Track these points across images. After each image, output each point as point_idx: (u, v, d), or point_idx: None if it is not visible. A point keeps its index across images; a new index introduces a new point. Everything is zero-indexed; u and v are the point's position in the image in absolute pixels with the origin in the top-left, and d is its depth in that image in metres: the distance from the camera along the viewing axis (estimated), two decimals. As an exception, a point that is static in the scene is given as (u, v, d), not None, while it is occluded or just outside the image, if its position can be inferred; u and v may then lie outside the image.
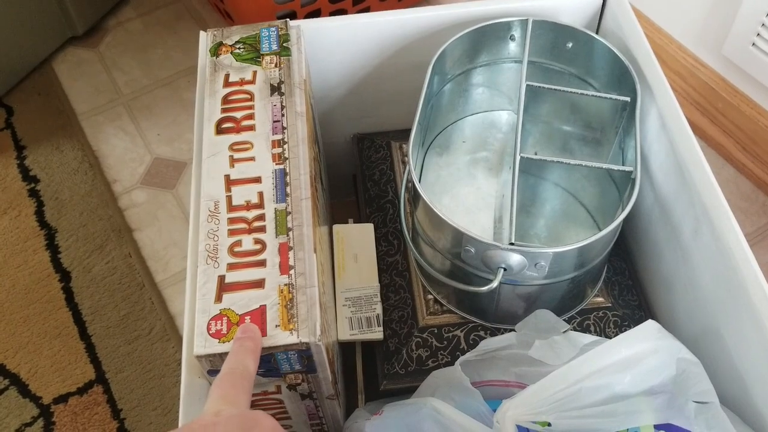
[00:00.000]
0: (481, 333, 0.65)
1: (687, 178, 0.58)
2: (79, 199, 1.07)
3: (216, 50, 0.65)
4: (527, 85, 0.66)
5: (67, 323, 0.95)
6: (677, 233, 0.62)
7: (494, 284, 0.56)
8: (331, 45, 0.76)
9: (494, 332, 0.65)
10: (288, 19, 0.67)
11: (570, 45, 0.71)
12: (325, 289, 0.63)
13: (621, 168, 0.60)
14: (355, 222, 0.76)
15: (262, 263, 0.51)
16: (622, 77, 0.67)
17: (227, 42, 0.66)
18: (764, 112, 0.94)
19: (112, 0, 1.30)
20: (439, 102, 0.74)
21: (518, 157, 0.60)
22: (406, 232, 0.68)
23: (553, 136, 0.76)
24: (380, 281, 0.70)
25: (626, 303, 0.67)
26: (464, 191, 0.73)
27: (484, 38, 0.72)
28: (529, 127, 0.74)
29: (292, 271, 0.50)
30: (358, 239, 0.73)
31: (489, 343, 0.58)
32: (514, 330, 0.59)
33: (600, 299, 0.67)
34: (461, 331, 0.65)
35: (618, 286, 0.69)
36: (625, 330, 0.63)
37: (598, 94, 0.66)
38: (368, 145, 0.84)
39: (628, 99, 0.64)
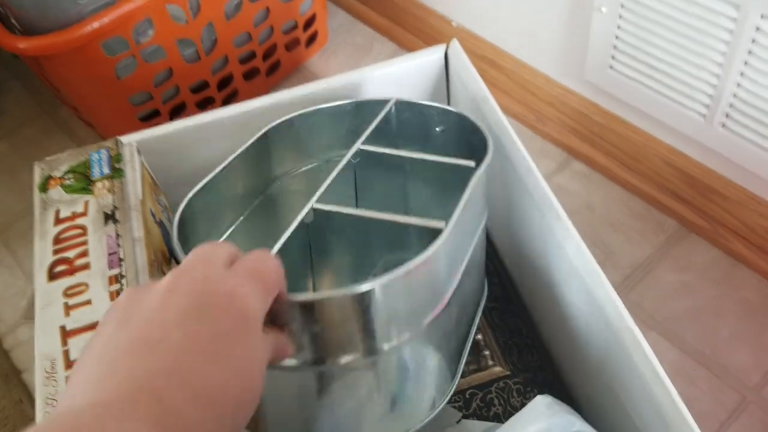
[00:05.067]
0: None
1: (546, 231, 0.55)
2: (-42, 349, 0.99)
3: (44, 185, 0.60)
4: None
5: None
6: (553, 285, 0.59)
7: None
8: (181, 148, 0.72)
9: None
10: (118, 137, 0.63)
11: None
12: None
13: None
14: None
15: (106, 424, 0.46)
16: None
17: (56, 174, 0.61)
18: (637, 129, 0.94)
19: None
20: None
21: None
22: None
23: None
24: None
25: (526, 366, 0.64)
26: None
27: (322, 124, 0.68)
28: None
29: None
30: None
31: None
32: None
33: (498, 369, 0.63)
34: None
35: (516, 349, 0.65)
36: (531, 397, 0.60)
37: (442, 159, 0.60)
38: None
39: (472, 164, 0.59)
